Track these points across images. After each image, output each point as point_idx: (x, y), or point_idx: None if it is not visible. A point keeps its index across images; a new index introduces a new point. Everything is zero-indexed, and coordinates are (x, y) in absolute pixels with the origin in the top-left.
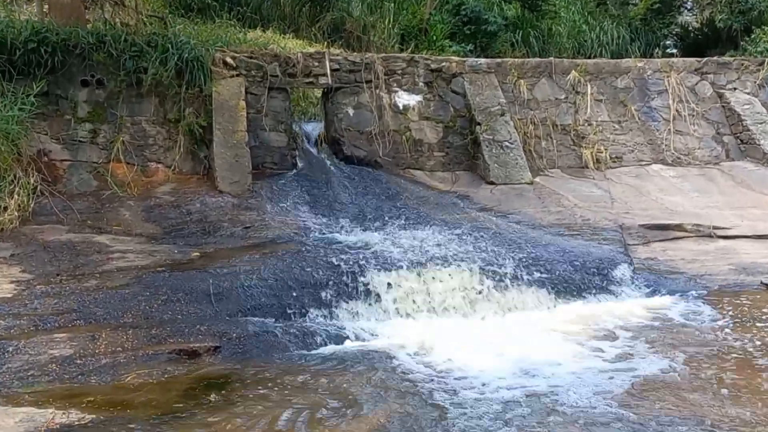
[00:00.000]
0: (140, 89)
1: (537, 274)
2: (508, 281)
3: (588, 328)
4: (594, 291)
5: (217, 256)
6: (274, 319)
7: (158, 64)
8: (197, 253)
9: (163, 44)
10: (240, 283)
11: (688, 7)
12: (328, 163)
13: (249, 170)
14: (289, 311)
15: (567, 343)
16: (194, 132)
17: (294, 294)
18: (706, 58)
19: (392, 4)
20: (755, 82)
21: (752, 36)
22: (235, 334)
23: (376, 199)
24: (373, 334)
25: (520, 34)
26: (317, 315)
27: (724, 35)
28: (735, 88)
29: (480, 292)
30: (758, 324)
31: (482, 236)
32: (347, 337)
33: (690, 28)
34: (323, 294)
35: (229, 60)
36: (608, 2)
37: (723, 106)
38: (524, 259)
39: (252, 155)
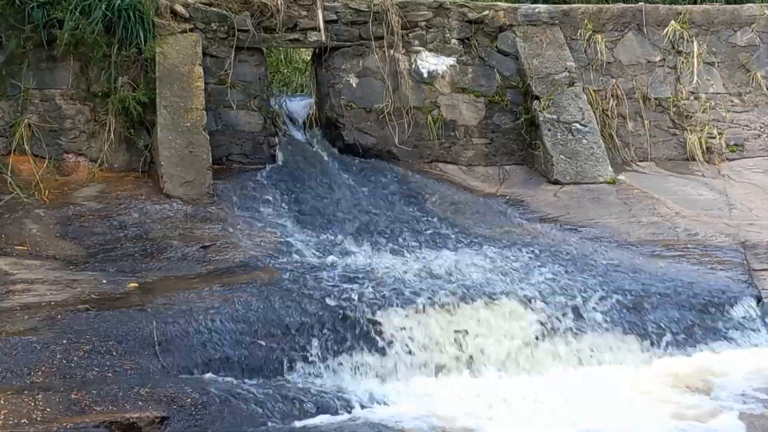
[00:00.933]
0: (53, 51)
1: (622, 314)
2: (579, 323)
3: (696, 392)
4: (706, 337)
5: (162, 287)
6: (244, 378)
7: (78, 15)
8: (135, 284)
9: None
10: (196, 327)
11: None
12: (322, 154)
13: (208, 165)
14: (265, 367)
15: (668, 418)
16: (130, 111)
17: (272, 342)
18: None
19: None
20: None
21: None
22: (189, 400)
23: (390, 206)
24: (383, 401)
25: None
26: (305, 372)
27: None
28: None
29: (538, 339)
30: None
31: (542, 259)
32: (348, 404)
33: None
34: (313, 342)
35: (179, 8)
36: None
37: None
38: (603, 292)
39: (213, 144)
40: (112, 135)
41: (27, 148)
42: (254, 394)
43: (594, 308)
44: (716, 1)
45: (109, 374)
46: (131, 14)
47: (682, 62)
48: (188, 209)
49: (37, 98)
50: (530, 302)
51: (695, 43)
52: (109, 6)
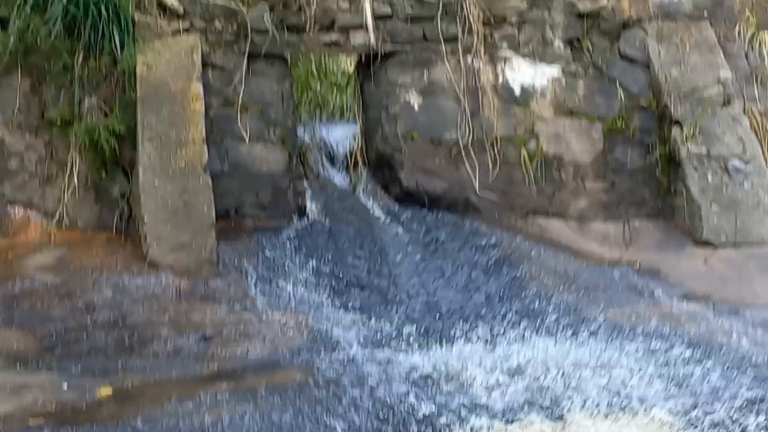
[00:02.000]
0: None
1: None
2: None
3: None
4: None
5: (146, 395)
6: None
7: (29, 12)
8: (108, 391)
9: None
10: None
11: None
12: (371, 205)
13: (210, 222)
14: None
15: None
16: (101, 146)
17: None
18: None
19: None
20: None
21: None
22: None
23: (468, 280)
24: None
25: None
26: None
27: None
28: None
29: None
30: None
31: (691, 354)
32: None
33: None
34: None
35: (170, 0)
36: None
37: None
38: None
39: (217, 192)
40: (75, 179)
41: None
42: None
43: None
44: None
45: None
46: (103, 9)
47: None
48: (183, 284)
49: None
50: (679, 416)
51: None
52: None
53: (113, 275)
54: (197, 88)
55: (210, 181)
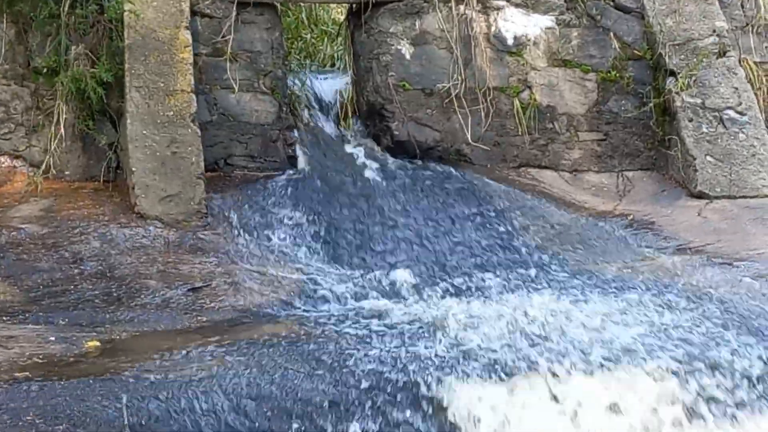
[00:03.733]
0: None
1: None
2: (744, 399)
3: None
4: None
5: (135, 348)
6: None
7: None
8: (95, 343)
9: None
10: (182, 406)
11: None
12: (362, 155)
13: (199, 172)
14: None
15: None
16: (88, 95)
17: (291, 429)
18: None
19: None
20: None
21: None
22: None
23: (460, 230)
24: None
25: None
26: None
27: None
28: None
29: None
30: None
31: (686, 307)
32: None
33: None
34: (352, 428)
35: None
36: None
37: None
38: None
39: (206, 142)
40: (62, 129)
41: None
42: None
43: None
44: None
45: None
46: None
47: None
48: (171, 235)
49: None
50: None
51: None
52: None
53: (101, 226)
54: (185, 36)
55: (198, 131)
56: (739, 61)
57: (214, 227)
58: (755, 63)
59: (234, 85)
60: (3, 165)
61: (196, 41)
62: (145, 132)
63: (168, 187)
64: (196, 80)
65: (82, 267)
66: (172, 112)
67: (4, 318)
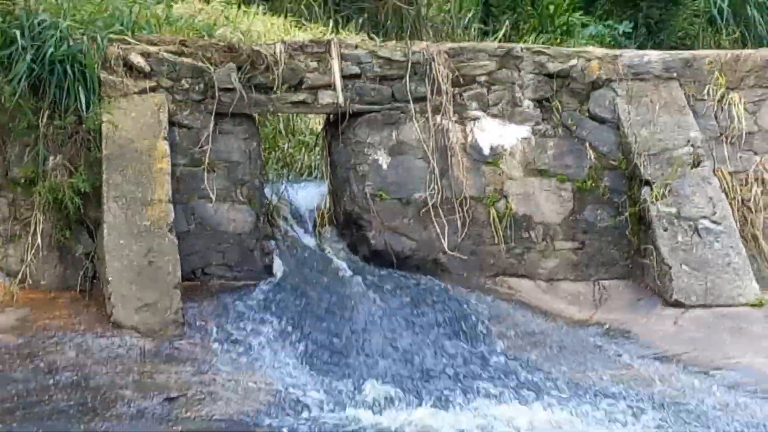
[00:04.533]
0: None
1: None
2: None
3: None
4: None
5: None
6: None
7: None
8: None
9: (5, 29)
10: None
11: None
12: (339, 264)
13: (176, 282)
14: None
15: None
16: (65, 205)
17: None
18: None
19: None
20: None
21: None
22: None
23: (437, 340)
24: None
25: (727, 1)
26: None
27: None
28: None
29: None
30: None
31: (660, 416)
32: None
33: None
34: None
35: (136, 59)
36: None
37: None
38: None
39: (183, 251)
40: (39, 239)
41: None
42: None
43: None
44: None
45: None
46: (68, 68)
47: None
48: (147, 345)
49: None
50: None
51: None
52: (37, 57)
53: (77, 336)
54: (163, 146)
55: (176, 241)
56: (714, 171)
57: (190, 336)
58: (729, 173)
59: (211, 195)
60: None
61: (174, 151)
62: (122, 242)
63: (145, 297)
64: (173, 190)
65: (57, 377)
66: (149, 222)
67: None
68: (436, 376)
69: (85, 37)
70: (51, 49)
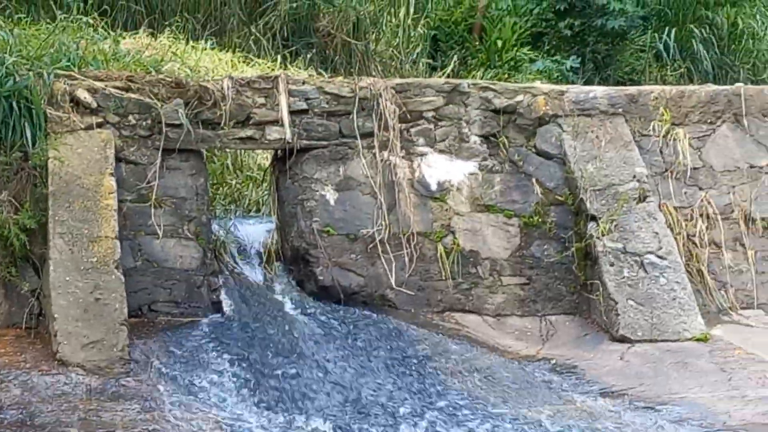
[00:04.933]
0: None
1: None
2: None
3: None
4: None
5: None
6: None
7: None
8: None
9: None
10: None
11: None
12: (286, 301)
13: (122, 319)
14: None
15: None
16: (10, 242)
17: None
18: None
19: None
20: None
21: None
22: None
23: (385, 377)
24: None
25: (673, 36)
26: None
27: None
28: None
29: None
30: None
31: None
32: None
33: None
34: None
35: (83, 95)
36: None
37: None
38: None
39: (130, 288)
40: None
41: None
42: None
43: None
44: None
45: None
46: (14, 104)
47: None
48: (93, 382)
49: None
50: None
51: None
52: None
53: (22, 373)
54: (110, 182)
55: (122, 277)
56: (659, 206)
57: (137, 374)
58: (674, 208)
59: (158, 231)
60: None
61: (121, 188)
62: (68, 278)
63: (91, 334)
64: (120, 226)
65: (1, 416)
66: (95, 259)
67: None
68: (380, 413)
69: (31, 73)
70: None
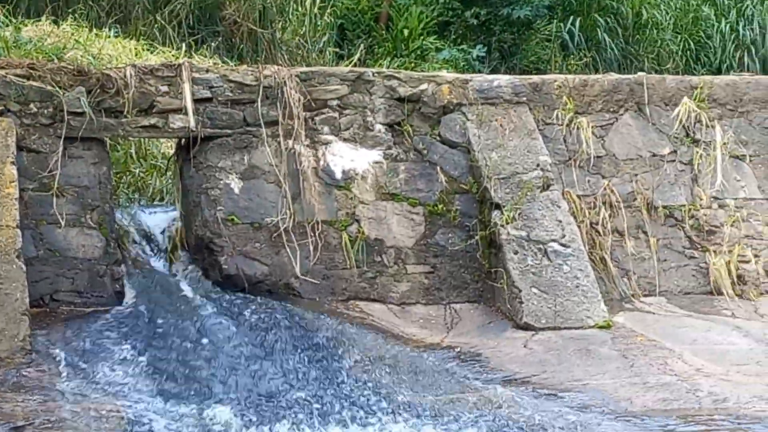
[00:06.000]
0: None
1: None
2: None
3: None
4: None
5: None
6: None
7: None
8: None
9: None
10: None
11: None
12: (190, 290)
13: (23, 309)
14: None
15: None
16: None
17: None
18: None
19: None
20: None
21: None
22: None
23: (288, 363)
24: None
25: (578, 25)
26: None
27: None
28: None
29: None
30: None
31: None
32: None
33: None
34: None
35: None
36: None
37: None
38: None
39: (31, 278)
40: None
41: None
42: None
43: None
44: (749, 71)
45: None
46: None
47: (701, 155)
48: None
49: None
50: None
51: (718, 128)
52: None
53: None
54: (11, 171)
55: (24, 267)
56: (563, 194)
57: (38, 364)
58: (578, 196)
59: (61, 221)
60: None
61: (23, 176)
62: None
63: None
64: (21, 215)
65: None
66: None
67: None
68: (286, 401)
69: None
70: None
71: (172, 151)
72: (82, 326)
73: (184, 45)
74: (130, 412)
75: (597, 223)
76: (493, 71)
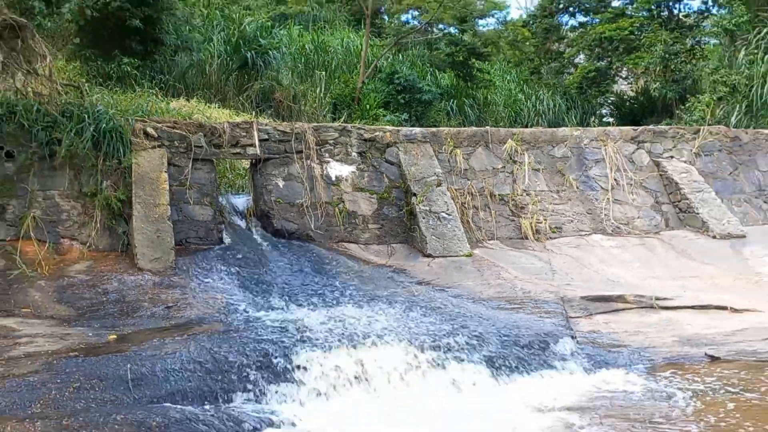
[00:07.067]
0: (54, 162)
1: (476, 352)
2: (446, 357)
3: (528, 405)
4: (536, 367)
5: (135, 338)
6: (198, 405)
7: (73, 135)
8: (114, 336)
9: (79, 114)
10: (161, 367)
11: (623, 76)
12: (257, 236)
13: (172, 246)
14: (214, 396)
15: (508, 422)
16: (112, 206)
17: (220, 377)
18: (642, 127)
19: (324, 73)
20: (691, 151)
21: (687, 105)
22: (154, 423)
23: (308, 274)
24: (302, 419)
25: (455, 103)
26: (245, 399)
27: (660, 104)
28: (672, 157)
29: (419, 368)
30: (707, 398)
31: (420, 312)
32: (281, 423)
33: (625, 97)
34: (250, 376)
35: (150, 130)
36: (543, 71)
37: (660, 175)
38: (462, 335)
39: (175, 230)
40: (98, 224)
41: (32, 234)
42: (204, 416)
43: (455, 346)
44: (540, 126)
45: (93, 405)
46: (113, 134)
47: (517, 169)
48: (156, 279)
49: (41, 197)
50: (411, 342)
51: (526, 155)
52: (96, 128)
53: (118, 274)
54: (165, 176)
55: (171, 225)
56: (447, 188)
57: (179, 275)
58: (455, 189)
59: (190, 201)
60: (66, 244)
61: (171, 178)
62: (143, 225)
63: (154, 254)
64: (170, 199)
65: (107, 296)
66: (157, 215)
67: (64, 324)
68: (306, 293)
69: (122, 118)
70: (104, 124)
71: (248, 166)
72: (201, 255)
73: (254, 112)
74: (227, 299)
75: (465, 203)
76: (412, 125)
